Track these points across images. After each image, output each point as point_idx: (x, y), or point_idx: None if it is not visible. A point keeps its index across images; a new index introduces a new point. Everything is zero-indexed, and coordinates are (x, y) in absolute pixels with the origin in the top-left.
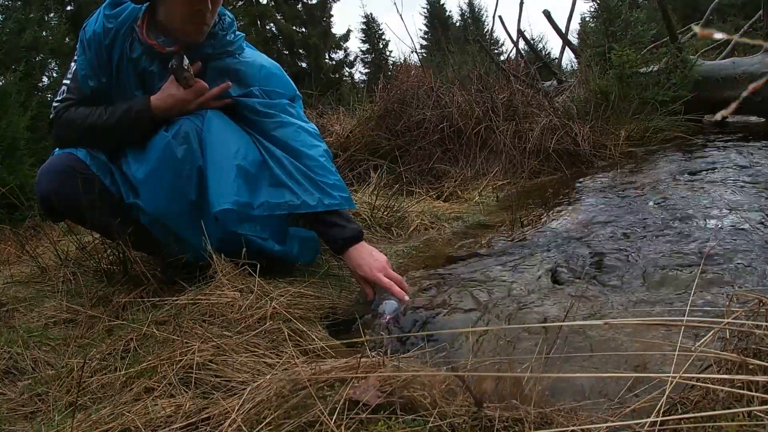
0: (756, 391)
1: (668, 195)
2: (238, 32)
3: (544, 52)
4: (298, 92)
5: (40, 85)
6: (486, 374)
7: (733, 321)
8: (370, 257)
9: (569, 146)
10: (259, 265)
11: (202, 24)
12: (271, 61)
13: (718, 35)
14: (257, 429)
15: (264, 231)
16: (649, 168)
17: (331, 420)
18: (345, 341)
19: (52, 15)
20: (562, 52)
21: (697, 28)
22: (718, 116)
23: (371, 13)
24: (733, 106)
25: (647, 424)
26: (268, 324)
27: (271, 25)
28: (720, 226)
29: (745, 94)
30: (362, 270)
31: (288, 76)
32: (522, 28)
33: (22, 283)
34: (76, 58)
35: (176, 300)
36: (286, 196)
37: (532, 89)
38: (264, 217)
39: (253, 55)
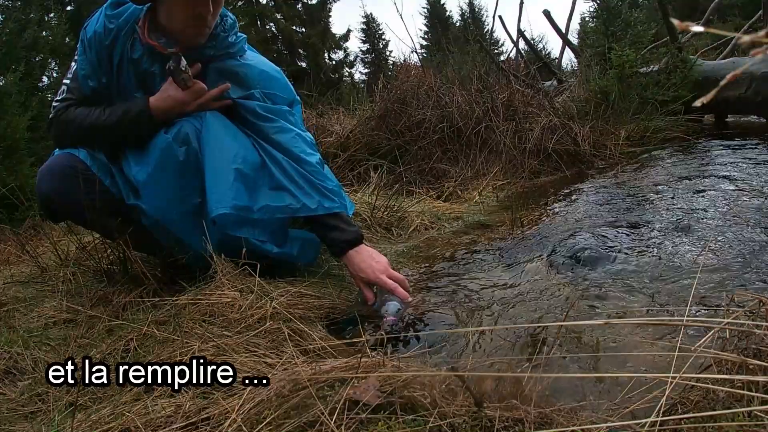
0: (756, 391)
1: (668, 195)
2: (239, 34)
3: (544, 52)
4: (297, 97)
5: (40, 85)
6: (486, 374)
7: (733, 321)
8: (371, 259)
9: (569, 146)
10: (259, 266)
11: (203, 26)
12: (271, 64)
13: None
14: (257, 429)
15: (263, 234)
16: (649, 168)
17: (331, 420)
18: (345, 341)
19: (52, 15)
20: (562, 52)
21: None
22: None
23: (371, 13)
24: None
25: (647, 424)
26: (268, 324)
27: (271, 24)
28: (720, 225)
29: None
30: (364, 273)
31: (288, 80)
32: (522, 28)
33: (22, 283)
34: (76, 57)
35: (176, 300)
36: (287, 199)
37: (532, 89)
38: (263, 220)
39: (254, 57)
